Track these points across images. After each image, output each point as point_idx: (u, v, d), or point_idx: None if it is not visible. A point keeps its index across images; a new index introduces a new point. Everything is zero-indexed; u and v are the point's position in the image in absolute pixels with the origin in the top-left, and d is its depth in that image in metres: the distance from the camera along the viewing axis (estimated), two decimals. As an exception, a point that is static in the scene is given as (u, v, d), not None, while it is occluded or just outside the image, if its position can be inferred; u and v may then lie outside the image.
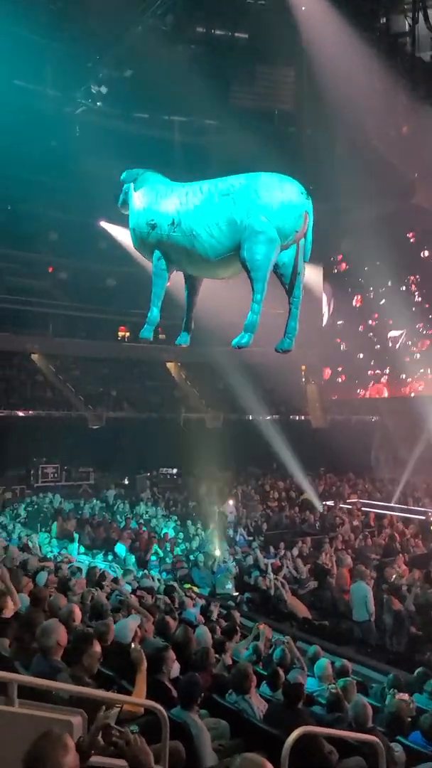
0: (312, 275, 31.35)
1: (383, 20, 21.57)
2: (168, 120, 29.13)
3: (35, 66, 24.41)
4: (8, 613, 5.43)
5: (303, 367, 33.18)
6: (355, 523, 18.37)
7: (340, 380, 30.20)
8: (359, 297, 29.23)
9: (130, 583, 9.90)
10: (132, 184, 7.64)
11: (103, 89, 22.50)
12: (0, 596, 5.52)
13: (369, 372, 28.71)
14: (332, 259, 30.53)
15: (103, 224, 27.39)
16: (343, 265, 30.60)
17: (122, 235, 27.83)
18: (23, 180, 25.28)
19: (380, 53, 20.48)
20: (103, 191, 26.83)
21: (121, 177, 7.74)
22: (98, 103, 24.17)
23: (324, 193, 28.65)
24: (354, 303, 29.40)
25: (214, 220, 6.61)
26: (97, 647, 4.36)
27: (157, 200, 7.28)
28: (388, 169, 23.84)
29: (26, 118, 23.37)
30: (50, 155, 24.89)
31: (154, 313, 7.91)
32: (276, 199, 6.43)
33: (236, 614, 8.69)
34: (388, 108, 21.84)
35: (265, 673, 6.26)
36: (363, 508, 20.21)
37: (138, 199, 7.50)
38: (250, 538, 17.18)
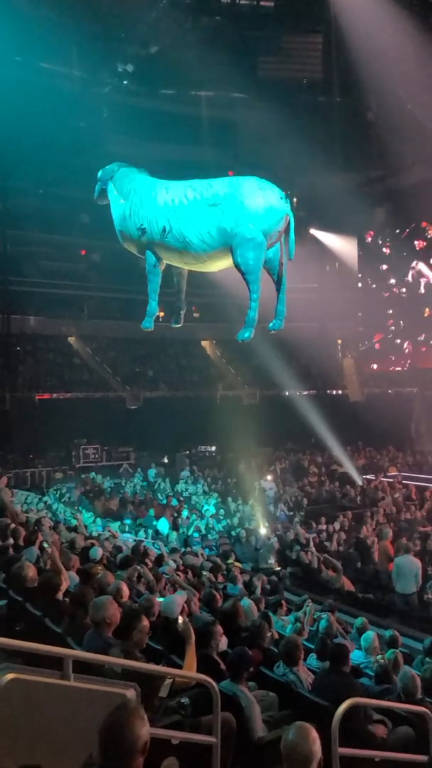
0: (346, 247, 30.91)
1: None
2: (195, 95, 28.80)
3: (61, 47, 24.36)
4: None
5: (339, 341, 32.86)
6: (396, 496, 18.26)
7: (377, 348, 29.86)
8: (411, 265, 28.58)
9: (174, 560, 10.05)
10: (111, 183, 8.34)
11: (129, 67, 22.35)
12: (55, 575, 5.67)
13: (406, 343, 28.31)
14: (366, 229, 29.96)
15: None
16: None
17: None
18: (54, 163, 25.37)
19: (413, 14, 19.83)
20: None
21: (98, 175, 8.49)
22: (125, 82, 24.02)
23: (355, 162, 28.23)
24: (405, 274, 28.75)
25: (205, 229, 7.27)
26: (146, 622, 4.46)
27: (141, 202, 7.90)
28: (424, 134, 23.20)
29: (54, 100, 23.37)
30: (79, 137, 24.90)
31: (153, 306, 8.87)
32: (260, 205, 7.16)
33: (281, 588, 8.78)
34: (422, 71, 21.17)
35: (312, 646, 6.32)
36: (404, 481, 20.05)
37: (120, 199, 8.17)
38: (291, 513, 17.24)
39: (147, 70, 24.23)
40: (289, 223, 7.54)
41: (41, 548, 7.68)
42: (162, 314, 33.40)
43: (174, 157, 27.49)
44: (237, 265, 7.40)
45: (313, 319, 27.83)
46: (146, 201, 7.89)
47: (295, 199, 31.65)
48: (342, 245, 31.21)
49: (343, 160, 27.29)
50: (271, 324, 8.16)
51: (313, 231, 31.00)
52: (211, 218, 7.30)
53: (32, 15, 20.83)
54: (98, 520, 14.82)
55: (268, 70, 27.14)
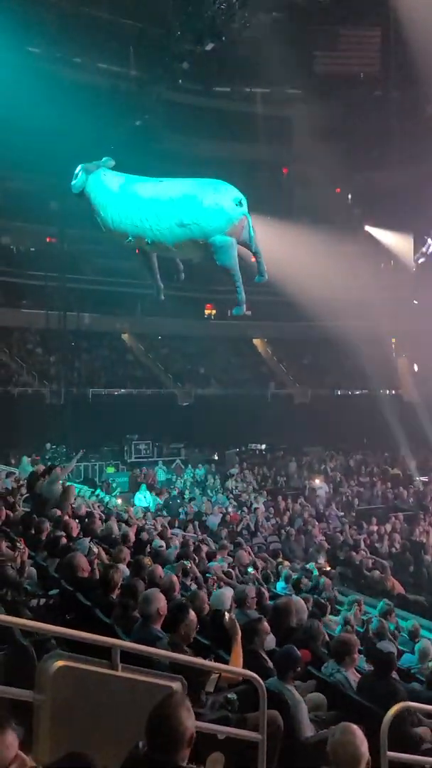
0: (403, 246, 30.27)
1: None
2: (250, 92, 28.73)
3: (117, 47, 24.68)
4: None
5: (393, 340, 32.25)
6: (451, 499, 17.83)
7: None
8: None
9: (223, 558, 10.06)
10: (92, 178, 10.35)
11: (185, 65, 22.42)
12: (108, 569, 5.75)
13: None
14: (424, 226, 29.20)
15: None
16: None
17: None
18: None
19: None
20: (187, 169, 26.90)
21: (78, 170, 10.44)
22: (180, 80, 24.13)
23: (413, 158, 27.61)
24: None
25: (181, 240, 9.61)
26: (193, 616, 4.48)
27: (125, 210, 9.95)
28: None
29: (111, 99, 23.70)
30: (135, 136, 25.15)
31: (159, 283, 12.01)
32: (223, 216, 9.26)
33: (330, 587, 8.68)
34: None
35: (360, 648, 6.23)
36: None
37: (101, 194, 10.30)
38: (341, 514, 17.05)
39: (202, 67, 24.27)
40: (247, 221, 9.56)
41: (94, 541, 7.81)
42: (214, 311, 33.48)
43: (228, 154, 27.55)
44: (219, 264, 9.65)
45: (367, 317, 27.38)
46: (127, 206, 9.92)
47: (349, 196, 31.30)
48: (398, 242, 30.60)
49: (400, 155, 26.73)
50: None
51: (368, 228, 30.50)
52: (184, 234, 9.27)
53: (87, 16, 21.17)
54: (149, 514, 14.97)
55: (324, 65, 26.86)
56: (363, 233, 30.12)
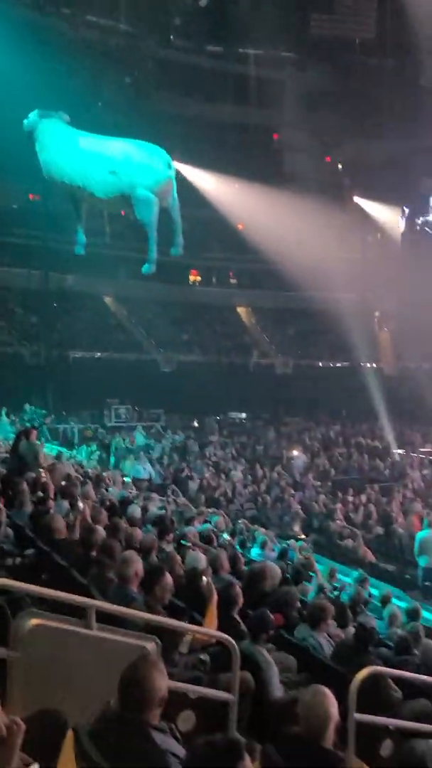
0: (390, 217, 30.06)
1: None
2: (243, 53, 28.04)
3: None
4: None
5: (376, 314, 32.31)
6: (426, 471, 18.09)
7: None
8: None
9: (199, 523, 10.13)
10: (38, 129, 11.99)
11: (177, 21, 21.84)
12: (87, 529, 5.76)
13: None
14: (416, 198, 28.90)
15: (176, 164, 26.89)
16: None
17: (194, 177, 27.41)
18: (95, 119, 25.11)
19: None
20: (177, 129, 26.39)
21: (25, 122, 11.93)
22: (171, 37, 23.50)
23: (405, 129, 27.30)
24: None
25: (111, 192, 11.01)
26: (169, 578, 4.51)
27: (65, 156, 11.58)
28: None
29: (100, 54, 23.03)
30: (124, 92, 24.54)
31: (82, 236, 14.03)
32: (151, 172, 10.43)
33: (308, 556, 8.82)
34: None
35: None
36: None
37: (45, 146, 11.97)
38: (318, 483, 17.22)
39: (195, 24, 23.63)
40: (173, 187, 10.86)
41: (72, 503, 7.79)
42: (199, 278, 33.31)
43: (218, 116, 27.03)
44: (138, 219, 11.06)
45: (352, 289, 27.33)
46: (67, 152, 11.35)
47: (339, 165, 30.95)
48: (387, 215, 30.40)
49: (393, 126, 26.38)
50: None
51: (357, 199, 30.25)
52: (114, 184, 10.62)
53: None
54: (126, 479, 15.01)
55: (319, 28, 26.25)
56: (351, 204, 29.88)
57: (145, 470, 16.25)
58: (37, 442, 10.38)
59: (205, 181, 27.30)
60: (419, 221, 29.42)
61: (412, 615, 6.39)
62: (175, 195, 11.32)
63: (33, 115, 11.98)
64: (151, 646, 3.40)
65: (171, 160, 11.36)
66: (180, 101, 26.06)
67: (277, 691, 4.37)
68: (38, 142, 11.87)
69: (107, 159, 11.18)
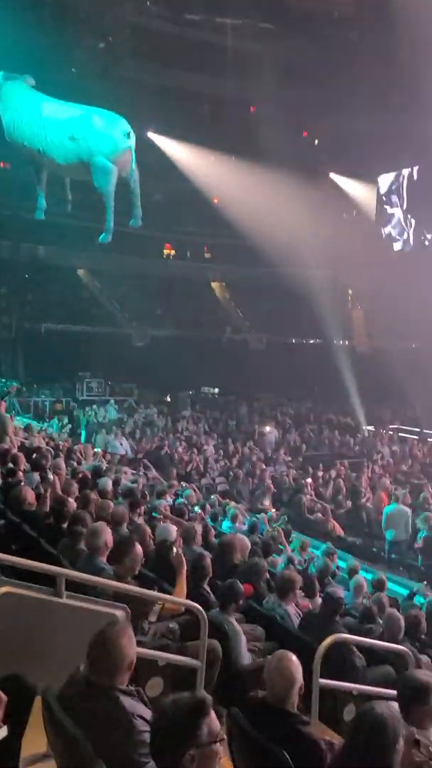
0: (366, 194, 30.00)
1: None
2: (220, 23, 27.51)
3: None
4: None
5: (350, 291, 32.45)
6: (395, 448, 18.40)
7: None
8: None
9: (170, 496, 10.19)
10: (4, 85, 12.24)
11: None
12: (59, 501, 5.76)
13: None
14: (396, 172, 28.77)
15: (151, 135, 26.48)
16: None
17: (171, 149, 27.01)
18: (68, 86, 24.53)
19: None
20: (152, 99, 25.89)
21: None
22: (147, 2, 22.96)
23: (383, 106, 27.16)
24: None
25: (70, 157, 11.24)
26: (139, 549, 4.54)
27: (26, 119, 11.82)
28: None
29: (71, 19, 22.39)
30: (98, 59, 23.94)
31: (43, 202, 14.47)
32: (110, 140, 10.80)
33: (278, 529, 8.95)
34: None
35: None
36: (403, 435, 20.18)
37: (10, 107, 12.14)
38: (289, 459, 17.42)
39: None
40: (131, 157, 11.35)
41: (43, 475, 7.77)
42: (173, 252, 32.96)
43: (193, 86, 26.58)
44: (95, 186, 11.49)
45: (326, 267, 27.33)
46: (29, 115, 11.62)
47: (316, 141, 30.75)
48: (362, 192, 30.34)
49: (370, 102, 26.21)
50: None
51: (332, 175, 30.14)
52: (73, 150, 10.91)
53: None
54: (97, 450, 14.99)
55: (299, 0, 25.85)
56: (327, 180, 29.77)
57: (122, 446, 16.25)
58: (6, 415, 10.29)
59: (180, 153, 26.94)
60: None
61: (378, 586, 6.56)
62: (134, 166, 11.73)
63: None
64: (120, 614, 3.44)
65: (131, 130, 11.67)
66: (153, 70, 25.54)
67: (245, 659, 4.47)
68: (1, 105, 12.09)
69: (67, 124, 11.42)
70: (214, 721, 2.01)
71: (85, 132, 11.23)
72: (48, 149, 11.54)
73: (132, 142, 11.51)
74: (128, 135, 11.21)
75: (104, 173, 11.23)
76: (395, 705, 2.70)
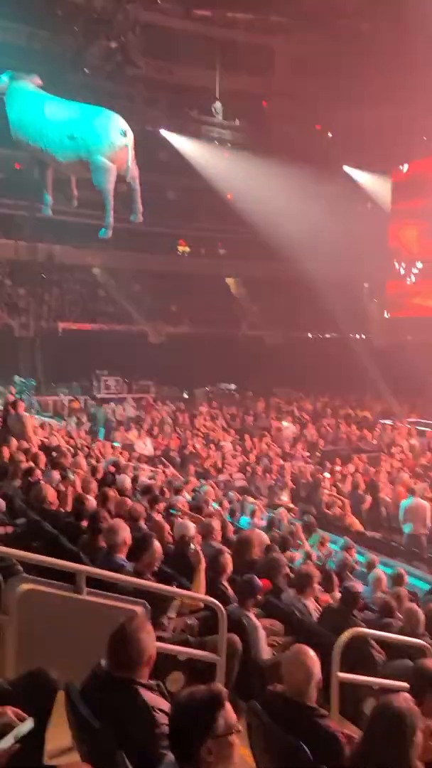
0: (381, 189, 29.81)
1: None
2: (231, 17, 27.41)
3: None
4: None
5: (366, 285, 32.24)
6: (413, 441, 18.29)
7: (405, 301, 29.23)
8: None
9: (188, 493, 10.24)
10: (8, 91, 12.65)
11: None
12: (79, 499, 5.83)
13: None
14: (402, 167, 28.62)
15: (164, 133, 26.51)
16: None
17: (184, 146, 27.00)
18: (80, 86, 24.62)
19: None
20: (164, 96, 25.88)
21: (2, 75, 12.55)
22: (158, 0, 22.93)
23: (398, 98, 26.92)
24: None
25: (69, 155, 11.65)
26: (158, 546, 4.59)
27: (30, 118, 12.17)
28: None
29: (82, 17, 22.39)
30: (107, 58, 23.93)
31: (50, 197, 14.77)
32: (106, 138, 11.12)
33: (296, 525, 8.97)
34: None
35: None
36: (422, 428, 20.05)
37: (15, 107, 12.64)
38: (306, 454, 17.40)
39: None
40: (128, 155, 11.57)
41: (63, 474, 7.87)
42: (187, 248, 32.91)
43: (206, 83, 26.51)
44: (94, 184, 11.81)
45: (342, 260, 27.19)
46: (32, 115, 12.02)
47: (329, 134, 30.55)
48: (377, 185, 30.11)
49: (385, 94, 25.99)
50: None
51: (347, 168, 29.93)
52: (73, 148, 11.29)
53: None
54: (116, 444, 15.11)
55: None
56: (342, 174, 29.58)
57: (146, 446, 16.30)
58: (26, 414, 10.41)
59: (193, 149, 26.94)
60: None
61: (397, 580, 6.55)
62: (130, 163, 12.09)
63: (4, 77, 12.51)
64: (139, 609, 3.49)
65: (127, 128, 11.87)
66: (166, 67, 25.55)
67: (264, 653, 4.50)
68: (8, 104, 12.49)
69: (66, 123, 11.76)
70: (230, 713, 2.04)
71: (82, 131, 11.55)
72: (50, 148, 11.96)
73: (129, 140, 11.78)
74: (124, 133, 11.46)
75: (101, 171, 11.57)
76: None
